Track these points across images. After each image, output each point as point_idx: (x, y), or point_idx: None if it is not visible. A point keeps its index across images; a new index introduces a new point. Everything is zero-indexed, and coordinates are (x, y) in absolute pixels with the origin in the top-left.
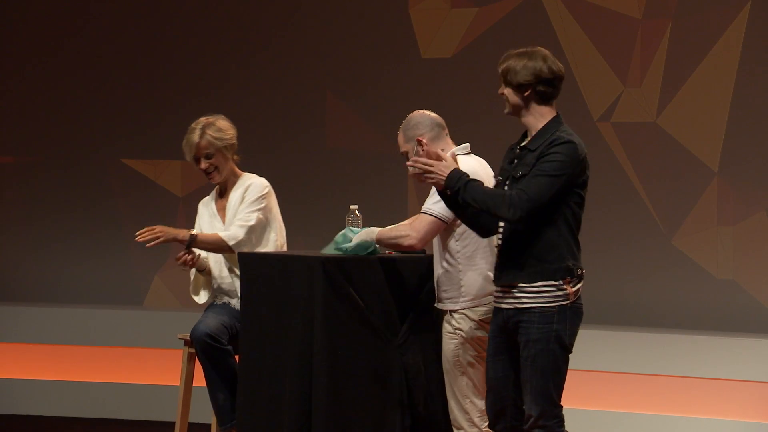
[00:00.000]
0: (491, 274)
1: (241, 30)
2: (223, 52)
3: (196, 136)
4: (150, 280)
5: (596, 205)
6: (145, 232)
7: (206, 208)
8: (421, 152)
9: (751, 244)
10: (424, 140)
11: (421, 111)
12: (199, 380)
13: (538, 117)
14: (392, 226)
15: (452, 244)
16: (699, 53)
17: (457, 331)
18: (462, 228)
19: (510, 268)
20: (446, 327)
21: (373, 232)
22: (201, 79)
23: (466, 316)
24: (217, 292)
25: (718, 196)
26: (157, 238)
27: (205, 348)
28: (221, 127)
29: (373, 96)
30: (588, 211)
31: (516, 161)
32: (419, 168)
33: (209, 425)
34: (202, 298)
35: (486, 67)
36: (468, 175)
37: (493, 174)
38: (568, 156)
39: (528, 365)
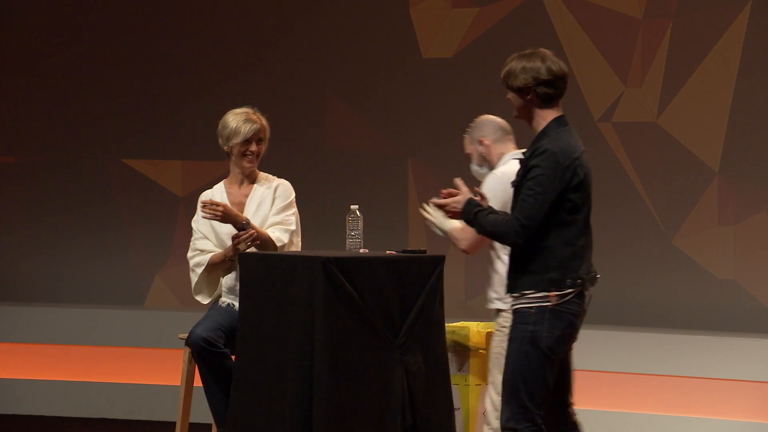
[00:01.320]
0: None
1: (242, 30)
2: (223, 52)
3: (256, 119)
4: (150, 280)
5: (597, 206)
6: (209, 208)
7: (216, 200)
8: (443, 194)
9: (752, 244)
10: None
11: (488, 115)
12: (200, 380)
13: (540, 121)
14: (462, 226)
15: (500, 247)
16: (700, 53)
17: (502, 329)
18: None
19: (508, 278)
20: (495, 325)
21: (448, 223)
22: (201, 79)
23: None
24: (224, 291)
25: (718, 196)
26: (216, 215)
27: (201, 352)
28: None
29: (373, 96)
30: None
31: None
32: (436, 208)
33: (209, 425)
34: (205, 298)
35: (487, 67)
36: (479, 206)
37: None
38: (548, 168)
39: (506, 363)
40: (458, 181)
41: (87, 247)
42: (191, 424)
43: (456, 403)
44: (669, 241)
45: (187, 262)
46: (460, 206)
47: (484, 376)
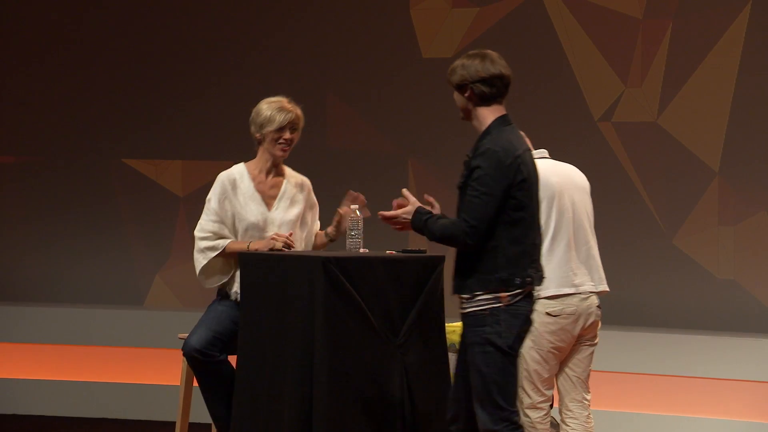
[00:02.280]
0: (568, 274)
1: (243, 30)
2: (223, 52)
3: (291, 108)
4: (150, 280)
5: (597, 205)
6: (285, 242)
7: (240, 185)
8: (394, 205)
9: (752, 244)
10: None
11: None
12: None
13: (481, 120)
14: None
15: None
16: (700, 53)
17: None
18: None
19: (454, 278)
20: None
21: None
22: (201, 79)
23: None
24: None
25: (719, 195)
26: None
27: (196, 364)
28: None
29: (373, 96)
30: None
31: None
32: (385, 222)
33: (209, 425)
34: (211, 283)
35: None
36: (429, 214)
37: (556, 177)
38: (491, 167)
39: (471, 370)
40: (405, 191)
41: (87, 247)
42: (191, 424)
43: None
44: (669, 241)
45: (188, 261)
46: (409, 216)
47: None
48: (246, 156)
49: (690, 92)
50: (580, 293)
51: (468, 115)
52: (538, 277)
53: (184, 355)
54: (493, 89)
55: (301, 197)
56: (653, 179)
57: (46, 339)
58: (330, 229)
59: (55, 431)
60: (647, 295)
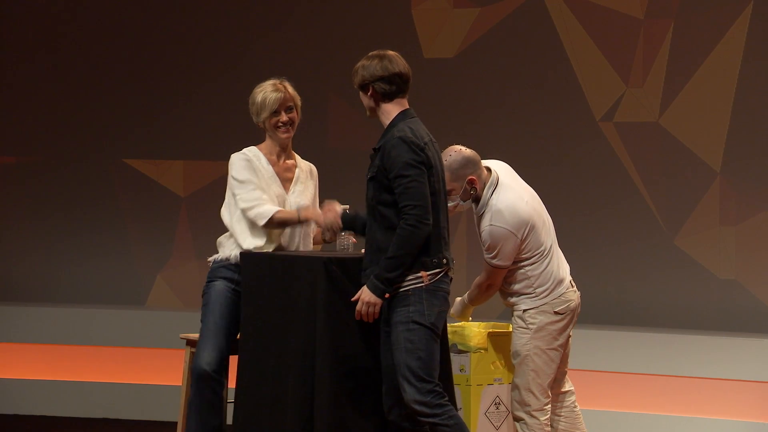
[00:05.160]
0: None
1: (243, 29)
2: (225, 52)
3: (281, 88)
4: (152, 280)
5: (598, 205)
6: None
7: (258, 165)
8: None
9: (754, 244)
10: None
11: (460, 148)
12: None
13: (386, 115)
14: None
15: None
16: (701, 53)
17: (529, 326)
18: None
19: (371, 263)
20: (516, 323)
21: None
22: (203, 79)
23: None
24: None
25: (720, 195)
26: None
27: (203, 388)
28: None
29: None
30: (590, 210)
31: (371, 163)
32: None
33: (134, 420)
34: (255, 242)
35: (488, 67)
36: (373, 273)
37: (529, 196)
38: (407, 152)
39: (395, 348)
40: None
41: (89, 247)
42: (123, 420)
43: (458, 404)
44: (670, 240)
45: (189, 261)
46: (368, 297)
47: (485, 376)
48: None
49: (691, 92)
50: (571, 285)
51: (373, 113)
52: (451, 258)
53: (193, 373)
54: (393, 86)
55: (311, 183)
56: (654, 179)
57: (47, 339)
58: (326, 235)
59: (55, 431)
60: (648, 295)
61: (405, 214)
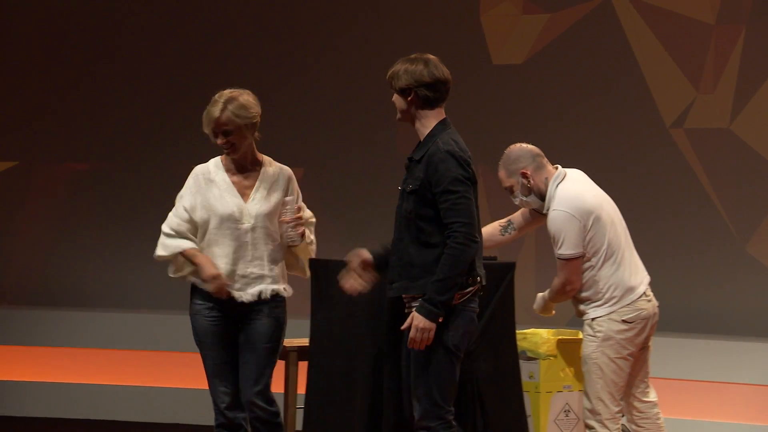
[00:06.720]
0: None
1: (311, 36)
2: (290, 59)
3: (217, 110)
4: None
5: (669, 212)
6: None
7: (215, 177)
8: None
9: None
10: None
11: (518, 144)
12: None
13: (424, 123)
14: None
15: (592, 255)
16: None
17: (597, 335)
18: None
19: (399, 278)
20: (586, 331)
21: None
22: (275, 84)
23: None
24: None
25: None
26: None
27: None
28: (244, 104)
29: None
30: (661, 217)
31: (407, 174)
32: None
33: (210, 426)
34: (175, 272)
35: (557, 74)
36: (424, 297)
37: (592, 189)
38: (456, 167)
39: (414, 365)
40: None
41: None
42: (191, 425)
43: (527, 411)
44: (742, 248)
45: None
46: (422, 324)
47: (554, 383)
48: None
49: (763, 98)
50: (646, 295)
51: (406, 117)
52: (484, 275)
53: (215, 419)
54: (436, 93)
55: (278, 187)
56: (725, 186)
57: (114, 344)
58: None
59: None
60: (720, 302)
61: (453, 232)
